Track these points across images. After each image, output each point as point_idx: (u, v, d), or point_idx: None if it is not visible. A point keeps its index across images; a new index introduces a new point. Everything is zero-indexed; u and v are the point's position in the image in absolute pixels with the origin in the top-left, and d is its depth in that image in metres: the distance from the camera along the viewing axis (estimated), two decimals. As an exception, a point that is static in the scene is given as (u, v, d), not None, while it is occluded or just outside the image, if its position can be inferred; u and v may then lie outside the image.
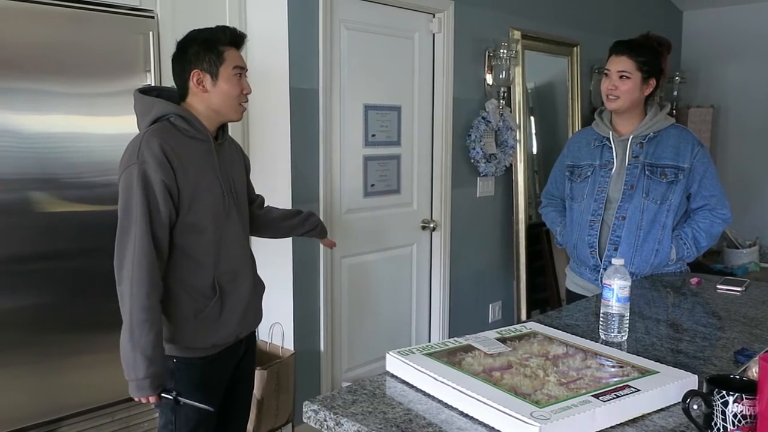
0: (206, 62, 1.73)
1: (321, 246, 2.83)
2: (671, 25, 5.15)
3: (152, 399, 1.66)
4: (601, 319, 1.57)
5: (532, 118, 4.15)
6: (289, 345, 2.84)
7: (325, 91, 2.81)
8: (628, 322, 1.56)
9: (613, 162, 2.32)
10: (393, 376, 1.30)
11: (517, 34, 3.68)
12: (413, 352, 1.32)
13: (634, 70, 2.22)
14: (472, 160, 3.52)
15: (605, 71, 2.29)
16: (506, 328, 1.52)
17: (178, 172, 1.66)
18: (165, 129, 1.70)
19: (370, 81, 3.08)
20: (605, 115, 2.40)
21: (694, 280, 2.18)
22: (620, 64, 2.24)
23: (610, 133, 2.34)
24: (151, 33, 2.48)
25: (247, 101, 1.84)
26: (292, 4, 2.66)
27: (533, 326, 1.54)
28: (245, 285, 1.85)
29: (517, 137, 3.72)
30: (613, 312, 1.54)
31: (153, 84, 2.48)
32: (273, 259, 2.87)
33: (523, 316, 3.88)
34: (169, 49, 2.53)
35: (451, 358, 1.31)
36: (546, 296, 3.98)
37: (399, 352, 1.32)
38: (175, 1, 2.57)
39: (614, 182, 2.31)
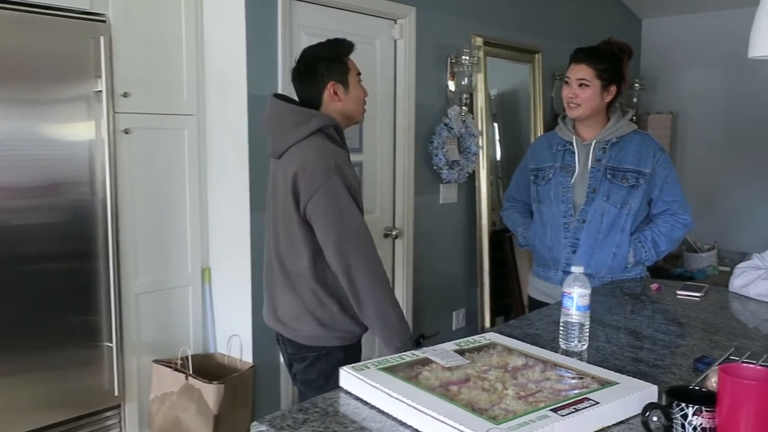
0: (337, 74, 1.92)
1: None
2: (631, 33, 5.21)
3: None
4: (561, 328, 1.55)
5: (495, 125, 4.15)
6: (248, 357, 2.77)
7: (284, 98, 2.75)
8: (588, 330, 1.54)
9: (575, 166, 2.32)
10: (347, 392, 1.25)
11: (479, 41, 3.68)
12: (368, 367, 1.28)
13: (593, 78, 2.22)
14: (435, 167, 3.50)
15: (565, 79, 2.29)
16: (465, 339, 1.49)
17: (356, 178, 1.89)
18: (329, 139, 1.87)
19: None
20: (568, 120, 2.40)
21: (654, 287, 2.18)
22: (580, 72, 2.24)
23: (574, 138, 2.34)
24: (102, 38, 2.39)
25: (366, 103, 2.04)
26: (249, 10, 2.61)
27: (493, 337, 1.51)
28: None
29: (480, 143, 3.71)
30: (573, 321, 1.52)
31: (107, 88, 2.40)
32: (229, 267, 2.80)
33: (487, 324, 3.87)
34: (122, 54, 2.50)
35: (408, 372, 1.27)
36: (510, 302, 3.97)
37: (353, 367, 1.27)
38: (128, 4, 2.50)
39: (577, 186, 2.31)
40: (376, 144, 3.29)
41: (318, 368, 1.95)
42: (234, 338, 2.78)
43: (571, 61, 2.28)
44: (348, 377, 1.26)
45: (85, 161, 2.43)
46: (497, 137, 4.18)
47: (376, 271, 1.84)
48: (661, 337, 1.65)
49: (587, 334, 1.54)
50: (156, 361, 2.67)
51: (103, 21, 2.43)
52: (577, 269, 1.52)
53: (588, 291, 1.51)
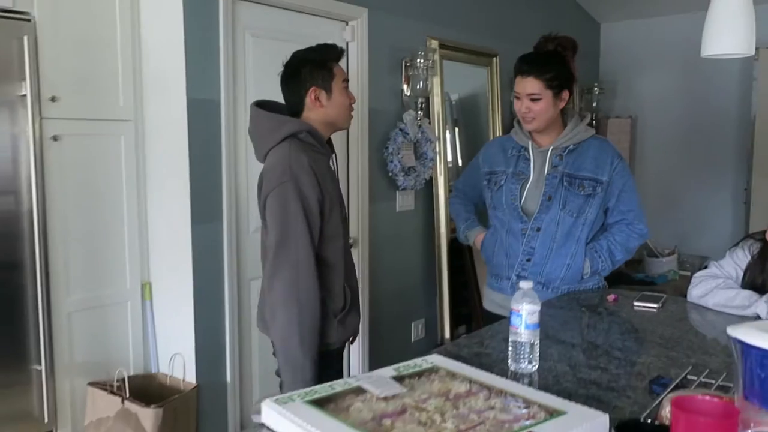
0: (320, 79, 1.90)
1: (225, 263, 2.65)
2: (589, 37, 5.19)
3: None
4: (510, 347, 1.45)
5: (456, 130, 4.08)
6: (192, 377, 2.61)
7: (227, 102, 2.62)
8: (538, 349, 1.44)
9: (529, 173, 2.23)
10: (270, 429, 1.12)
11: (434, 44, 3.58)
12: (293, 400, 1.15)
13: (543, 90, 2.13)
14: (390, 174, 3.39)
15: (515, 94, 2.19)
16: (405, 363, 1.37)
17: (322, 187, 1.80)
18: (303, 145, 1.83)
19: (279, 91, 2.89)
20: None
21: (611, 297, 2.10)
22: (528, 86, 2.13)
23: (529, 143, 2.25)
24: (26, 37, 2.23)
25: (353, 110, 2.02)
26: (188, 9, 2.46)
27: (435, 360, 1.40)
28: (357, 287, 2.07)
29: (437, 149, 3.61)
30: (522, 341, 1.41)
31: (32, 92, 2.23)
32: (171, 282, 2.65)
33: (447, 334, 3.77)
34: (49, 56, 2.33)
35: (338, 404, 1.15)
36: (470, 311, 3.88)
37: (276, 400, 1.14)
38: (56, 3, 2.33)
39: (531, 193, 2.21)
40: (329, 150, 3.17)
41: None
42: (177, 357, 2.63)
43: (517, 74, 2.17)
44: (270, 412, 1.13)
45: (8, 170, 2.25)
46: (458, 143, 4.10)
47: (298, 295, 1.75)
48: (617, 354, 1.56)
49: (538, 353, 1.44)
50: (91, 384, 2.49)
51: (28, 20, 2.26)
52: (525, 285, 1.42)
53: (537, 307, 1.41)
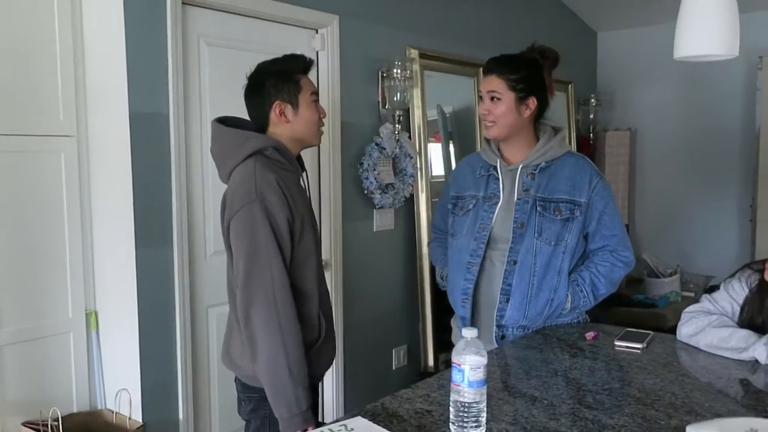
0: (285, 92, 1.77)
1: (176, 292, 2.44)
2: (586, 47, 4.97)
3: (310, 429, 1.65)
4: (451, 409, 1.21)
5: (450, 143, 3.88)
6: (138, 415, 2.39)
7: (177, 116, 2.40)
8: (486, 410, 1.21)
9: (499, 195, 1.99)
10: None
11: (414, 53, 3.37)
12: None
13: (505, 90, 1.91)
14: (366, 191, 3.17)
15: (479, 93, 1.98)
16: (321, 429, 1.14)
17: (291, 207, 1.68)
18: (269, 163, 1.71)
19: (240, 104, 2.67)
20: (493, 141, 2.08)
21: (589, 335, 1.85)
22: (490, 84, 1.93)
23: (498, 161, 2.02)
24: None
25: (323, 125, 1.88)
26: (130, 15, 2.26)
27: (357, 425, 1.17)
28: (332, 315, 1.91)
29: (418, 164, 3.39)
30: (466, 401, 1.18)
31: None
32: (117, 311, 2.43)
33: (430, 361, 3.53)
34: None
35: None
36: (455, 337, 3.64)
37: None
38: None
39: (501, 219, 1.98)
40: (297, 167, 2.95)
41: (261, 413, 1.77)
42: (122, 393, 2.41)
43: (483, 73, 1.97)
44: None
45: (-74, 192, 2.05)
46: (453, 157, 3.90)
47: (279, 323, 1.62)
48: (585, 414, 1.32)
49: (485, 415, 1.20)
50: (25, 424, 2.28)
51: (-48, 27, 2.07)
52: (469, 333, 1.18)
53: (484, 360, 1.18)
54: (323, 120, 1.87)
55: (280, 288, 1.63)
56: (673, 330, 3.52)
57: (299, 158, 1.87)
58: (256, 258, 1.63)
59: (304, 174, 1.90)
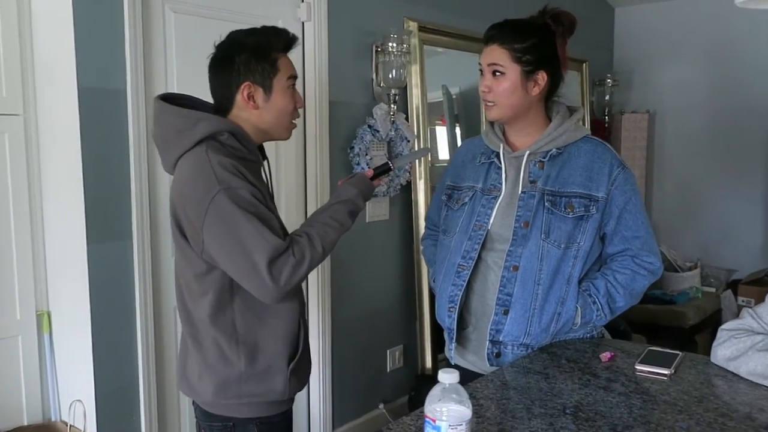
0: (258, 73, 1.49)
1: (137, 291, 2.17)
2: (602, 23, 4.64)
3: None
4: (425, 474, 0.92)
5: (457, 126, 3.62)
6: (93, 429, 2.13)
7: (136, 92, 2.11)
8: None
9: (501, 187, 1.69)
10: None
11: (412, 26, 3.05)
12: None
13: (509, 63, 1.60)
14: (357, 178, 2.87)
15: (479, 67, 1.67)
16: None
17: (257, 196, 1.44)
18: (224, 150, 1.45)
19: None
20: (497, 123, 1.77)
21: (605, 356, 1.55)
22: (491, 55, 1.62)
23: (501, 146, 1.71)
24: None
25: (299, 116, 1.61)
26: (79, -25, 1.97)
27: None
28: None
29: (415, 149, 3.09)
30: (443, 467, 0.89)
31: None
32: (68, 311, 2.17)
33: (428, 362, 3.25)
34: None
35: None
36: (456, 337, 3.36)
37: None
38: None
39: (501, 215, 1.67)
40: (280, 152, 2.66)
41: None
42: (76, 404, 2.15)
43: (484, 42, 1.66)
44: None
45: None
46: (459, 141, 3.62)
47: (317, 251, 1.44)
48: (600, 471, 1.03)
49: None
50: (-36, 439, 2.03)
51: None
52: (448, 378, 0.89)
53: (468, 413, 0.89)
54: (299, 111, 1.59)
55: (272, 239, 1.39)
56: (693, 330, 3.16)
57: (261, 147, 1.60)
58: (239, 238, 1.38)
59: (265, 163, 1.61)
